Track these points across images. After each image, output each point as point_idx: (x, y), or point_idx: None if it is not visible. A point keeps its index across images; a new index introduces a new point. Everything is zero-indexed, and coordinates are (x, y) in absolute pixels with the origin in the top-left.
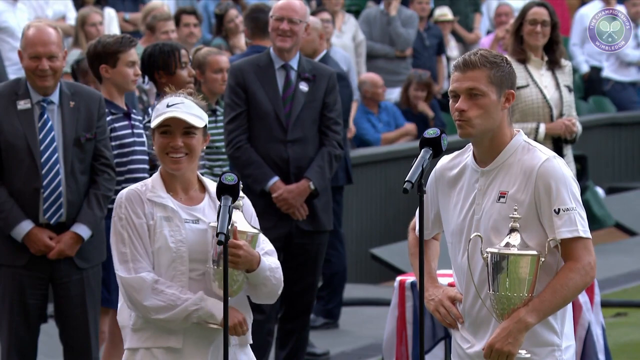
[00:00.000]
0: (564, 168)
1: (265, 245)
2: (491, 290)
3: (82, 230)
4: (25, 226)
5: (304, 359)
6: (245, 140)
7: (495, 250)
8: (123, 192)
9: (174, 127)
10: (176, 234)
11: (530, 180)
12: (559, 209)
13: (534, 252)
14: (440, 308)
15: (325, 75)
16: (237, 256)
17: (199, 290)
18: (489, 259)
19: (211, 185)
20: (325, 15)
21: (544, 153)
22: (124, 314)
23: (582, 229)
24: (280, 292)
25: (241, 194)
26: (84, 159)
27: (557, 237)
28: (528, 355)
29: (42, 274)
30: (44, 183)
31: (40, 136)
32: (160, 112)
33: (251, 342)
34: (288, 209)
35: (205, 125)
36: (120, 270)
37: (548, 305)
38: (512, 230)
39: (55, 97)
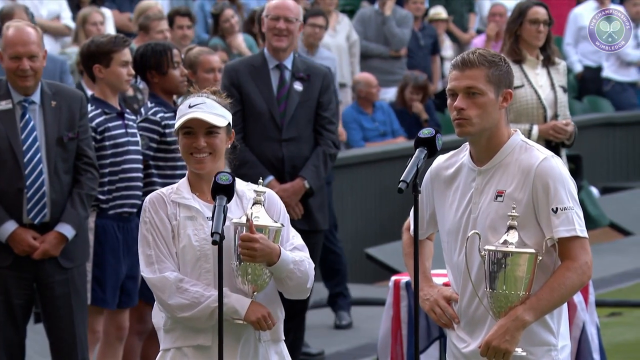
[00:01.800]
0: (561, 167)
1: (295, 240)
2: (488, 288)
3: (66, 229)
4: (9, 226)
5: (299, 359)
6: (241, 140)
7: (493, 248)
8: (148, 197)
9: (196, 128)
10: (200, 233)
11: (528, 179)
12: (556, 208)
13: (532, 250)
14: (436, 308)
15: (319, 75)
16: (253, 249)
17: (226, 287)
18: (486, 256)
19: (238, 183)
20: (319, 21)
21: (542, 152)
22: (158, 316)
23: (580, 228)
24: (310, 285)
25: (263, 188)
26: (67, 158)
27: (555, 236)
28: (524, 354)
29: (27, 274)
30: (27, 183)
31: (23, 136)
32: (182, 114)
33: (283, 338)
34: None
35: (229, 124)
36: (146, 272)
37: (545, 303)
38: (510, 228)
39: (36, 97)
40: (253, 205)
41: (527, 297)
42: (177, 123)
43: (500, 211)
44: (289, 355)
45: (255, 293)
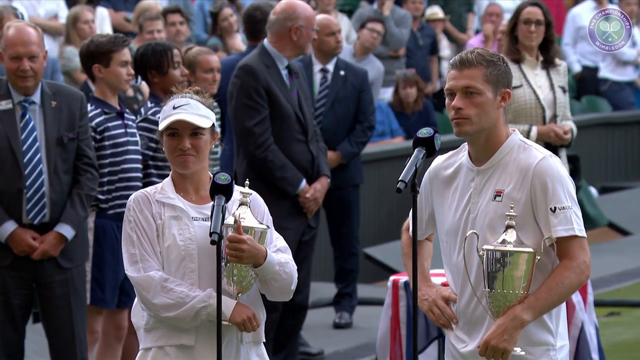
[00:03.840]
0: (560, 167)
1: (278, 242)
2: (487, 287)
3: (66, 230)
4: (9, 227)
5: (297, 358)
6: (273, 142)
7: (492, 248)
8: (132, 196)
9: (181, 129)
10: (185, 232)
11: (527, 179)
12: (555, 208)
13: (530, 250)
14: (434, 308)
15: (300, 70)
16: (241, 250)
17: (211, 288)
18: (485, 256)
19: None
20: (378, 27)
21: (540, 152)
22: (138, 315)
23: (578, 227)
24: (294, 287)
25: (249, 190)
26: (67, 158)
27: (553, 236)
28: (523, 353)
29: (26, 275)
30: (27, 183)
31: (23, 136)
32: (166, 115)
33: (264, 340)
34: (315, 207)
35: (213, 124)
36: (130, 271)
37: (543, 303)
38: (508, 227)
39: (36, 97)
40: (239, 206)
41: (525, 297)
42: (162, 124)
43: (498, 211)
44: (268, 358)
45: (239, 294)
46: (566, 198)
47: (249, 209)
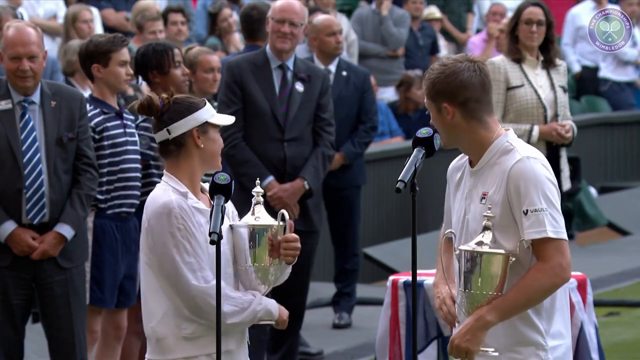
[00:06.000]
0: (537, 168)
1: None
2: (461, 287)
3: (65, 230)
4: (8, 227)
5: (296, 359)
6: (241, 139)
7: (466, 248)
8: (172, 203)
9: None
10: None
11: (503, 181)
12: (527, 210)
13: (503, 251)
14: (443, 306)
15: (320, 76)
16: (297, 249)
17: (253, 291)
18: (461, 256)
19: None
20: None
21: (519, 153)
22: (170, 324)
23: (552, 229)
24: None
25: (260, 189)
26: (67, 158)
27: (525, 238)
28: (496, 354)
29: (26, 275)
30: (27, 183)
31: (22, 136)
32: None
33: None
34: (281, 207)
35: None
36: (192, 280)
37: (510, 304)
38: (485, 228)
39: (36, 97)
40: (254, 205)
41: (495, 297)
42: (219, 120)
43: (483, 213)
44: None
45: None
46: (540, 200)
47: (262, 208)
